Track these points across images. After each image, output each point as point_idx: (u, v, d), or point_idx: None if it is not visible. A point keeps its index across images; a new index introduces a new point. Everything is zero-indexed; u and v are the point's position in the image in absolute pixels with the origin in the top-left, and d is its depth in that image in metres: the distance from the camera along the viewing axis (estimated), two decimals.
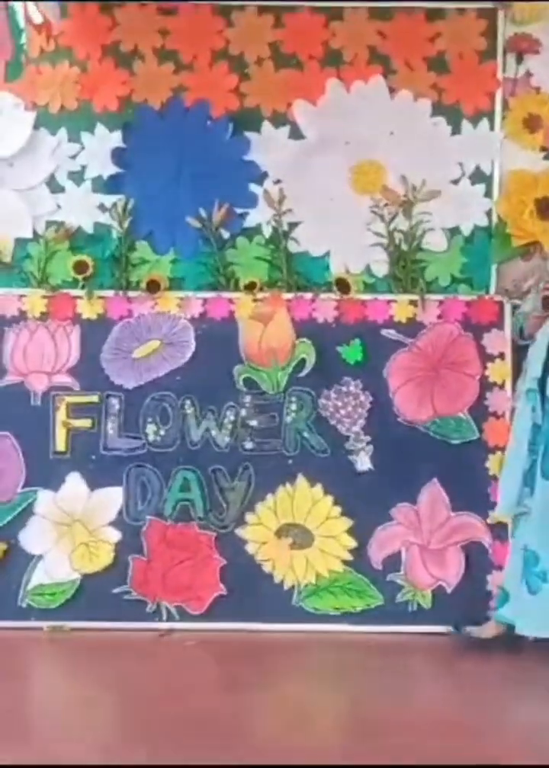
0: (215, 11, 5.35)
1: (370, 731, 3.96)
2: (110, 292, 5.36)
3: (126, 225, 5.39)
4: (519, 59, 5.30)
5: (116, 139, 5.40)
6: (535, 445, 4.83)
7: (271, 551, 5.25)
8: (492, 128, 5.34)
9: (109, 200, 5.41)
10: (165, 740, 3.78)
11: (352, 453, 5.26)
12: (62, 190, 5.43)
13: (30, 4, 5.30)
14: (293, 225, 5.39)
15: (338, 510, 5.24)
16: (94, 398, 5.32)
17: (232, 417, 5.29)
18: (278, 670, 4.76)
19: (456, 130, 5.34)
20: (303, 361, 5.28)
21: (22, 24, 5.38)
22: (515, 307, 5.18)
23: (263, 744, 3.87)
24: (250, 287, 5.34)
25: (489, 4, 5.29)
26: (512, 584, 4.89)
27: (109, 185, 5.41)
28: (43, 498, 5.29)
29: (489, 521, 5.17)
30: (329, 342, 5.28)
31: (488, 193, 5.34)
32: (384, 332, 5.29)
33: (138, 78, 5.39)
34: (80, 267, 5.36)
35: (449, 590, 5.20)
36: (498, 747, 3.80)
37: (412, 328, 5.29)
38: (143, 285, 5.36)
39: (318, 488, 5.25)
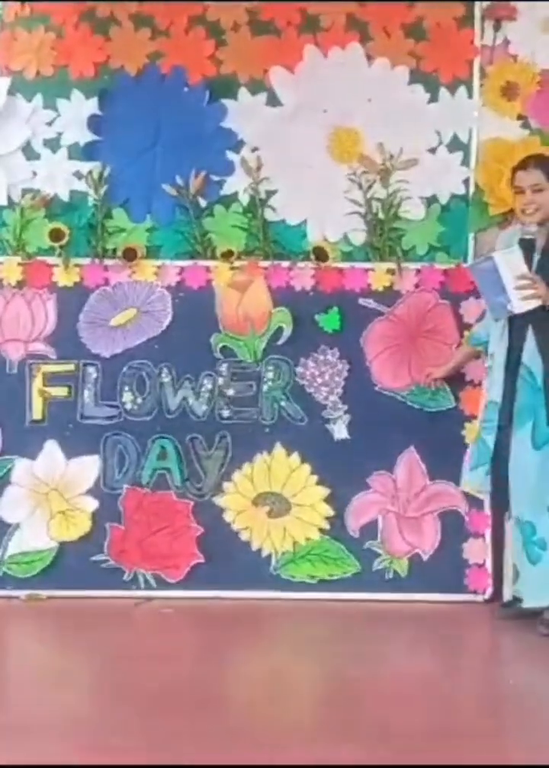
0: None
1: (348, 698, 3.99)
2: (86, 260, 5.33)
3: (102, 192, 5.34)
4: (497, 27, 5.28)
5: (92, 105, 5.35)
6: (489, 421, 4.82)
7: (249, 519, 5.26)
8: (470, 96, 5.31)
9: (85, 167, 5.35)
10: (142, 708, 3.79)
11: (329, 422, 5.27)
12: (37, 157, 5.38)
13: None
14: (270, 193, 5.35)
15: (315, 478, 5.24)
16: (71, 367, 5.30)
17: (209, 386, 5.29)
18: (255, 637, 4.78)
19: (433, 98, 5.31)
20: (280, 329, 5.27)
21: None
22: None
23: (240, 712, 3.89)
24: (227, 255, 5.32)
25: None
26: (516, 558, 4.91)
27: (85, 152, 5.36)
28: (20, 467, 5.28)
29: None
30: (306, 310, 5.27)
31: (465, 162, 5.31)
32: (362, 301, 5.28)
33: (114, 44, 5.34)
34: (56, 234, 5.32)
35: (425, 558, 5.22)
36: (476, 712, 3.83)
37: (390, 296, 5.28)
38: (120, 253, 5.33)
39: (295, 457, 5.25)
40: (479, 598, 5.17)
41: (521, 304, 4.65)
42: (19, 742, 3.47)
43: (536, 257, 4.75)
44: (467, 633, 4.83)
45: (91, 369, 5.30)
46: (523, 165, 4.82)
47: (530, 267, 4.70)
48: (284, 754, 3.37)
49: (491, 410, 4.83)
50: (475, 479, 4.95)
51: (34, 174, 5.38)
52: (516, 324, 4.75)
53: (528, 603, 4.77)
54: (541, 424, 4.69)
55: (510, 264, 4.67)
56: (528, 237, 4.75)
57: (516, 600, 4.93)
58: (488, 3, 5.25)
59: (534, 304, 4.64)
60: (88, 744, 3.48)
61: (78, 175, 5.37)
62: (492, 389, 4.84)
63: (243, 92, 5.34)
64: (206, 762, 3.29)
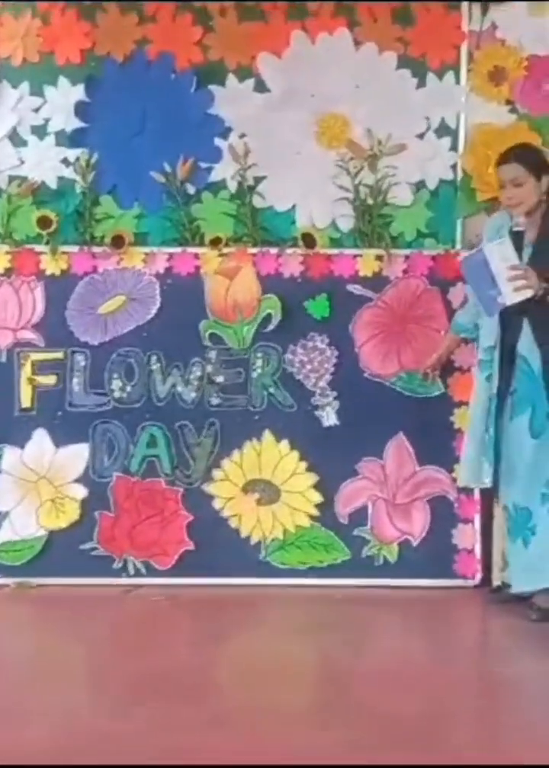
0: None
1: (337, 683, 3.99)
2: (74, 248, 5.32)
3: (90, 179, 5.34)
4: (484, 11, 5.27)
5: (79, 92, 5.34)
6: (492, 415, 4.78)
7: (238, 506, 5.26)
8: (457, 81, 5.31)
9: (72, 154, 5.35)
10: (132, 696, 3.79)
11: (318, 408, 5.27)
12: (24, 144, 5.38)
13: None
14: (258, 180, 5.35)
15: (304, 465, 5.24)
16: (59, 355, 5.29)
17: (198, 373, 5.28)
18: (245, 624, 4.78)
19: (421, 83, 5.31)
20: (269, 316, 5.27)
21: None
22: None
23: (230, 698, 3.89)
24: (215, 242, 5.31)
25: None
26: (506, 544, 4.91)
27: (72, 139, 5.36)
28: (9, 455, 5.28)
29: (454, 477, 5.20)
30: (295, 297, 5.26)
31: (453, 147, 5.32)
32: (350, 287, 5.28)
33: (101, 30, 5.32)
34: (44, 222, 5.30)
35: (415, 544, 5.23)
36: (465, 696, 3.84)
37: (378, 282, 5.28)
38: (108, 240, 5.32)
39: (284, 444, 5.25)
40: (469, 583, 5.18)
41: (512, 295, 4.60)
42: (8, 729, 3.47)
43: (526, 249, 4.72)
44: (456, 618, 4.84)
45: (79, 357, 5.29)
46: (504, 159, 4.78)
47: (520, 260, 4.67)
48: (274, 739, 3.38)
49: (493, 403, 4.79)
50: (485, 474, 4.82)
51: (21, 161, 5.38)
52: (510, 317, 4.72)
53: (515, 589, 4.78)
54: (540, 413, 4.69)
55: (501, 254, 4.63)
56: (516, 229, 4.73)
57: (505, 585, 4.93)
58: None
59: (525, 294, 4.60)
60: (78, 730, 3.48)
61: (65, 162, 5.36)
62: (493, 382, 4.78)
63: (231, 78, 5.32)
64: (196, 747, 3.29)
